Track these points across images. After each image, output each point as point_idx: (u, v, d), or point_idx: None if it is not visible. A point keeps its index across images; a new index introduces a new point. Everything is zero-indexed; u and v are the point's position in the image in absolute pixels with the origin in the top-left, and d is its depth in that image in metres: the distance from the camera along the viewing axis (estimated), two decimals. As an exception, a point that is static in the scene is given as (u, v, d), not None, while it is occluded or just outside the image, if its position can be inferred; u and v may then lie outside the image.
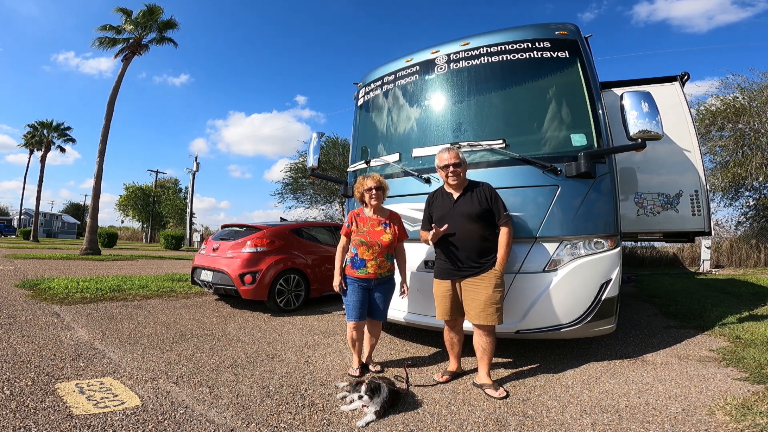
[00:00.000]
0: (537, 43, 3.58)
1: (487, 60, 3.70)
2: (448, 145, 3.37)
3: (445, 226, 2.88)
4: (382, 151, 4.18)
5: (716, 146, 15.20)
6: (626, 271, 9.22)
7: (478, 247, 2.88)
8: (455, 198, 2.98)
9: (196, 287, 7.08)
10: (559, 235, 3.22)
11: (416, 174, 3.65)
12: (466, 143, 3.51)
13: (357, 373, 3.08)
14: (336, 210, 24.40)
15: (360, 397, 2.42)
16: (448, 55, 3.88)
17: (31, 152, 32.39)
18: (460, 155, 3.00)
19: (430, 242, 3.00)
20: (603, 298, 3.19)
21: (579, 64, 3.49)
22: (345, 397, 2.59)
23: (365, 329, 3.30)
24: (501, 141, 3.39)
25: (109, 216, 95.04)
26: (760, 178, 14.47)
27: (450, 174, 2.94)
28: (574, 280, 3.16)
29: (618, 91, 4.64)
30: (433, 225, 2.98)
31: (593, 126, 3.35)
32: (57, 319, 4.52)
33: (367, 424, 2.27)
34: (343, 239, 3.26)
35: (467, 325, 3.02)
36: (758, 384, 2.92)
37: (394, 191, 3.70)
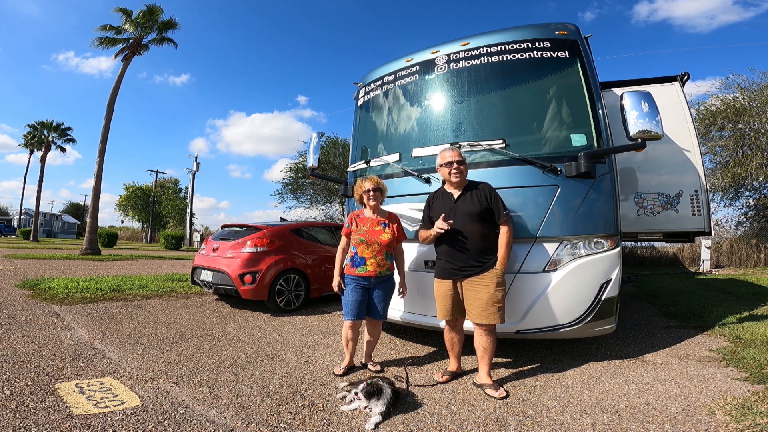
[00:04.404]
0: (537, 43, 3.58)
1: (487, 60, 3.70)
2: (447, 145, 3.37)
3: (450, 221, 2.85)
4: (382, 151, 4.18)
5: (716, 146, 15.20)
6: (626, 271, 9.23)
7: (479, 246, 2.88)
8: (455, 197, 2.98)
9: (196, 287, 7.08)
10: (559, 235, 3.22)
11: (416, 174, 3.65)
12: (466, 143, 3.51)
13: (340, 372, 3.07)
14: (336, 210, 24.40)
15: (356, 395, 2.43)
16: (448, 55, 3.88)
17: (31, 152, 32.38)
18: (462, 154, 3.01)
19: (435, 232, 2.89)
20: (603, 298, 3.19)
21: (579, 64, 3.49)
22: (345, 397, 2.59)
23: (364, 330, 3.31)
24: (501, 141, 3.39)
25: (109, 216, 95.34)
26: (760, 178, 14.47)
27: (453, 171, 2.94)
28: (574, 280, 3.16)
29: (618, 91, 4.64)
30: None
31: (593, 126, 3.35)
32: (57, 319, 4.52)
33: (377, 425, 2.25)
34: (343, 240, 3.27)
35: (467, 324, 3.03)
36: (758, 384, 2.92)
37: (394, 191, 3.70)
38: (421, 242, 3.19)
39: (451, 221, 2.86)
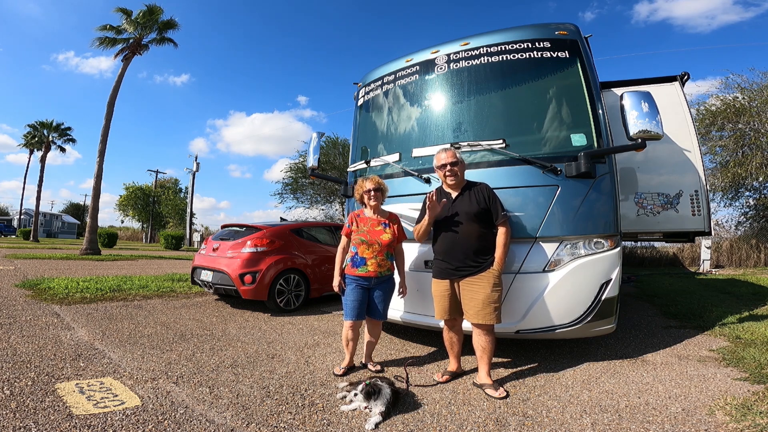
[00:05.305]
0: (537, 43, 3.58)
1: (487, 60, 3.70)
2: (446, 146, 3.38)
3: (443, 200, 2.91)
4: (382, 151, 4.18)
5: (716, 146, 15.19)
6: (626, 271, 9.23)
7: (476, 246, 2.88)
8: (453, 198, 2.99)
9: (196, 287, 7.08)
10: (559, 235, 3.22)
11: (416, 174, 3.66)
12: (466, 143, 3.51)
13: (340, 372, 3.07)
14: (336, 210, 24.40)
15: (355, 395, 2.43)
16: (448, 55, 3.88)
17: (31, 152, 32.38)
18: (458, 155, 3.02)
19: (424, 227, 2.99)
20: (603, 298, 3.19)
21: (579, 64, 3.49)
22: (345, 397, 2.59)
23: (365, 330, 3.31)
24: (501, 141, 3.39)
25: (109, 216, 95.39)
26: (760, 178, 14.46)
27: (447, 173, 2.95)
28: (574, 280, 3.16)
29: (618, 91, 4.64)
30: (428, 205, 2.92)
31: (593, 126, 3.35)
32: (57, 319, 4.52)
33: (377, 425, 2.25)
34: (343, 240, 3.27)
35: (467, 324, 3.02)
36: (758, 384, 2.92)
37: (394, 191, 3.70)
38: (415, 237, 3.16)
39: (444, 200, 2.90)
